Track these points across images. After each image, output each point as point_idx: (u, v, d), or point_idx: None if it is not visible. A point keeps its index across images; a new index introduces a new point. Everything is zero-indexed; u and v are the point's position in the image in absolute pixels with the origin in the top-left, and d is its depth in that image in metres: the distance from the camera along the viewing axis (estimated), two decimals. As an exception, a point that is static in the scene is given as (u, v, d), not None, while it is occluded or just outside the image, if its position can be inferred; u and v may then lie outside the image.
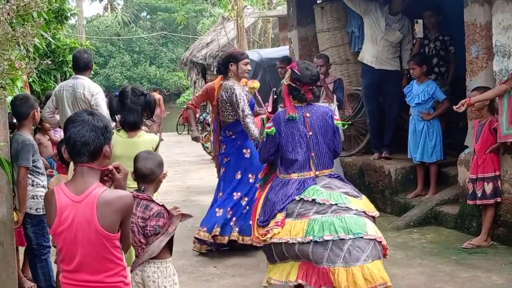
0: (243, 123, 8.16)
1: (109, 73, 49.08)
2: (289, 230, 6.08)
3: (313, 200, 6.15)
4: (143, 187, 5.13)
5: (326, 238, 5.89)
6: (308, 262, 6.04)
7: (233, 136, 8.46)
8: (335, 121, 6.56)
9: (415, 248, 8.49)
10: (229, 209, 8.37)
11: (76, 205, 3.61)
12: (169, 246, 5.07)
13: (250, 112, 8.21)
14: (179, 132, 27.63)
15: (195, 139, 10.00)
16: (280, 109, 6.77)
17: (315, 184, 6.31)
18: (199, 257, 8.35)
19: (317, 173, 6.38)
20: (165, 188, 12.82)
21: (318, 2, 12.70)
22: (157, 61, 52.17)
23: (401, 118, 11.22)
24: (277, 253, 6.22)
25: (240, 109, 8.17)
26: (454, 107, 8.22)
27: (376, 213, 6.35)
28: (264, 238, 6.22)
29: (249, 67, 8.56)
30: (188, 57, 28.82)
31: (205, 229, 8.38)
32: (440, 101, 9.88)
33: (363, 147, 11.58)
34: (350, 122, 8.25)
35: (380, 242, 6.02)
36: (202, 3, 47.87)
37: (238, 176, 8.48)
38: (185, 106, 10.04)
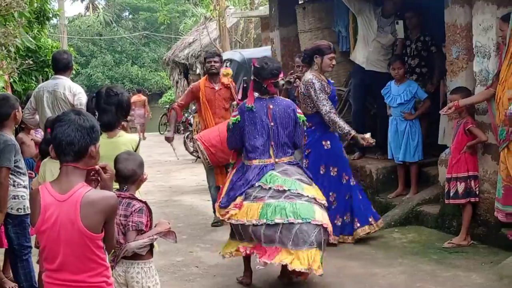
0: (327, 119, 8.24)
1: (91, 73, 48.93)
2: (246, 212, 6.68)
3: (270, 188, 6.72)
4: (125, 187, 5.14)
5: (277, 221, 6.50)
6: (258, 245, 6.64)
7: (313, 127, 8.45)
8: (298, 115, 7.07)
9: (396, 247, 8.52)
10: None
11: (60, 204, 3.62)
12: (150, 246, 5.08)
13: (331, 107, 8.28)
14: (161, 132, 27.60)
15: (167, 139, 10.22)
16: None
17: (273, 169, 6.88)
18: (180, 257, 8.36)
19: (276, 160, 6.96)
20: (147, 188, 12.84)
21: (300, 2, 12.73)
22: (139, 61, 52.05)
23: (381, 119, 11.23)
24: (237, 233, 6.89)
25: (320, 105, 8.24)
26: (441, 112, 8.21)
27: (324, 202, 6.94)
28: (223, 218, 6.92)
29: (334, 62, 8.54)
30: (170, 57, 28.82)
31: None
32: (421, 101, 9.92)
33: (344, 146, 11.59)
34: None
35: (325, 228, 6.61)
36: (184, 3, 47.79)
37: (322, 171, 8.49)
38: (168, 107, 10.14)
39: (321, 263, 6.53)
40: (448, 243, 8.33)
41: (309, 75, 8.39)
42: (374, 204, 10.20)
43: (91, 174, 3.85)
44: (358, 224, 8.59)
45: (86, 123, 3.73)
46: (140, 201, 5.09)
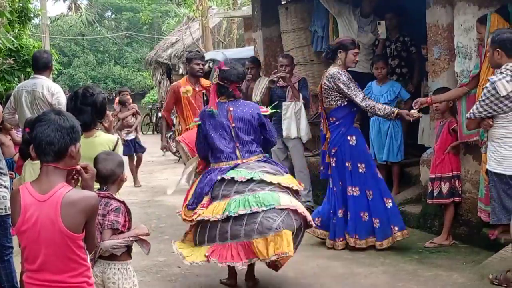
0: (364, 106, 8.18)
1: (73, 72, 48.63)
2: (212, 209, 6.57)
3: (232, 178, 6.66)
4: (105, 186, 5.12)
5: (240, 212, 6.42)
6: (223, 245, 6.49)
7: (337, 122, 8.38)
8: (262, 113, 7.06)
9: (378, 247, 8.54)
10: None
11: (40, 204, 3.61)
12: (127, 248, 5.05)
13: (362, 95, 8.25)
14: (144, 132, 27.54)
15: (163, 149, 10.53)
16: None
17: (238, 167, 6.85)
18: (163, 258, 8.35)
19: (244, 160, 6.91)
20: (129, 188, 12.85)
21: (282, 3, 12.75)
22: (121, 61, 51.80)
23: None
24: (199, 235, 6.73)
25: (353, 95, 8.19)
26: (413, 105, 8.14)
27: (299, 187, 6.94)
28: (191, 219, 6.76)
29: (358, 58, 8.54)
30: (153, 57, 28.74)
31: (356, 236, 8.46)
32: (404, 101, 9.96)
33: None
34: (276, 110, 8.31)
35: (296, 211, 6.50)
36: (167, 3, 47.65)
37: (349, 168, 8.38)
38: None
39: (293, 244, 6.39)
40: (430, 242, 8.37)
41: (333, 69, 8.32)
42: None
43: (72, 174, 3.84)
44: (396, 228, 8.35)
45: (66, 123, 3.73)
46: (118, 200, 5.07)
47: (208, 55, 17.57)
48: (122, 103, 15.09)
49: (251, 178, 6.66)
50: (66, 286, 3.69)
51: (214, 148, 6.97)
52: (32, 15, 13.64)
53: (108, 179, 5.12)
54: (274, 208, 6.44)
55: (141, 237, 5.06)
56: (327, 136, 8.56)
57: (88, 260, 3.81)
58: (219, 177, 6.75)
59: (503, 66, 6.48)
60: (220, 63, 7.20)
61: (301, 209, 6.61)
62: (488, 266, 7.18)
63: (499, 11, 7.71)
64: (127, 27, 54.31)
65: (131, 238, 4.99)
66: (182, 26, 29.97)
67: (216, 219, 6.51)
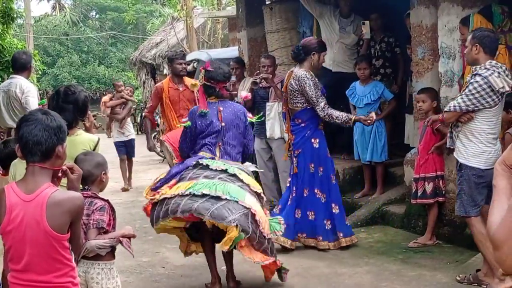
0: (323, 114, 8.17)
1: (57, 72, 48.53)
2: (176, 188, 6.54)
3: (207, 165, 6.65)
4: (86, 186, 5.09)
5: (204, 192, 6.34)
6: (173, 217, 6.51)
7: (302, 124, 8.39)
8: (248, 118, 7.11)
9: (362, 247, 8.56)
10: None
11: (25, 204, 3.59)
12: (111, 248, 5.03)
13: (326, 102, 8.23)
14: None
15: (149, 149, 10.42)
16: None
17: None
18: (147, 258, 8.34)
19: (220, 160, 6.85)
20: (113, 188, 12.80)
21: (267, 3, 12.74)
22: (106, 61, 51.77)
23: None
24: (156, 213, 6.67)
25: (316, 102, 8.18)
26: (425, 122, 8.12)
27: (260, 191, 6.81)
28: (152, 197, 6.75)
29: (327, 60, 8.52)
30: (137, 57, 28.69)
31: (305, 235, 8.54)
32: (387, 101, 9.99)
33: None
34: (260, 118, 8.32)
35: (254, 216, 6.39)
36: (151, 3, 47.66)
37: (312, 170, 8.42)
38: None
39: (234, 246, 6.40)
40: (414, 242, 8.39)
41: (302, 72, 8.29)
42: (340, 204, 10.28)
43: (57, 174, 3.82)
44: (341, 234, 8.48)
45: (53, 123, 3.71)
46: (102, 199, 5.05)
47: (192, 55, 17.56)
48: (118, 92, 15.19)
49: (226, 169, 6.64)
50: (51, 286, 3.68)
51: (197, 144, 6.98)
52: (15, 16, 13.61)
53: (86, 179, 5.01)
54: (237, 202, 6.37)
55: (127, 238, 5.06)
56: (289, 138, 8.58)
57: (73, 261, 3.80)
58: (193, 162, 6.75)
59: (487, 63, 6.59)
60: (205, 64, 7.20)
61: (259, 216, 6.48)
62: (472, 265, 7.21)
63: (482, 12, 7.75)
64: (111, 27, 54.26)
65: (116, 239, 4.97)
66: (167, 26, 29.93)
67: (174, 195, 6.48)
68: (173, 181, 6.75)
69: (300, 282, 7.27)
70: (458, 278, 6.98)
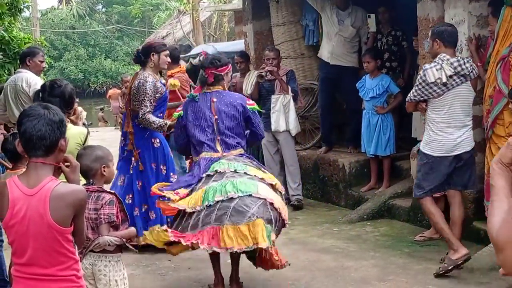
0: (142, 120, 8.01)
1: (64, 66, 48.55)
2: (188, 200, 6.39)
3: (215, 171, 6.51)
4: (91, 180, 5.09)
5: (217, 199, 6.22)
6: (193, 234, 6.28)
7: (141, 125, 8.23)
8: (248, 106, 6.94)
9: (368, 241, 8.56)
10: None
11: (28, 198, 3.59)
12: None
13: (148, 109, 8.01)
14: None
15: None
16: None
17: (220, 159, 6.69)
18: (153, 251, 8.33)
19: (224, 154, 6.77)
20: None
21: (273, -4, 12.72)
22: (112, 55, 51.75)
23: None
24: (176, 227, 6.50)
25: (142, 104, 8.02)
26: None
27: (276, 183, 6.73)
28: (169, 208, 6.59)
29: (169, 59, 8.38)
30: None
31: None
32: (394, 95, 9.96)
33: (317, 140, 11.62)
34: (260, 108, 8.17)
35: (272, 204, 6.30)
36: (158, -3, 47.64)
37: (154, 168, 8.29)
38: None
39: (268, 237, 6.12)
40: (420, 236, 8.38)
41: (145, 73, 8.13)
42: (346, 197, 10.30)
43: (59, 167, 3.82)
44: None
45: (55, 117, 3.71)
46: (110, 192, 5.06)
47: (198, 49, 17.55)
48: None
49: (235, 170, 6.52)
50: (54, 279, 3.68)
51: (194, 140, 6.88)
52: (22, 7, 13.60)
53: (87, 174, 5.02)
54: (250, 195, 6.27)
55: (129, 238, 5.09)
56: (130, 138, 8.35)
57: (77, 254, 3.80)
58: (204, 175, 6.57)
59: (438, 56, 7.09)
60: (203, 52, 7.16)
61: (278, 204, 6.41)
62: (478, 259, 7.19)
63: (491, 4, 7.76)
64: (118, 20, 54.27)
65: (126, 238, 4.99)
66: (173, 20, 29.99)
67: (194, 211, 6.34)
68: (183, 190, 6.54)
69: (306, 276, 7.27)
70: (435, 273, 7.10)
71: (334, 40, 11.01)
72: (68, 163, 3.87)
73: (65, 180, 3.85)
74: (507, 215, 2.23)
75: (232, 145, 6.84)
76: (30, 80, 8.63)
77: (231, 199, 6.22)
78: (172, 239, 6.35)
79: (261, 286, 7.07)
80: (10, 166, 6.85)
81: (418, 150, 7.50)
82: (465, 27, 7.97)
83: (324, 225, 9.44)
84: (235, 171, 6.50)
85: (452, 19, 8.14)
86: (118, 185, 8.31)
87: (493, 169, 2.40)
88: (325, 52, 11.18)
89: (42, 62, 8.94)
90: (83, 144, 5.75)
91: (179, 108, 7.12)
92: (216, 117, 6.81)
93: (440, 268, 7.08)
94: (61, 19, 52.44)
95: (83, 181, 5.05)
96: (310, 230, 9.16)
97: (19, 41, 12.86)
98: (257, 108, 7.14)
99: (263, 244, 6.08)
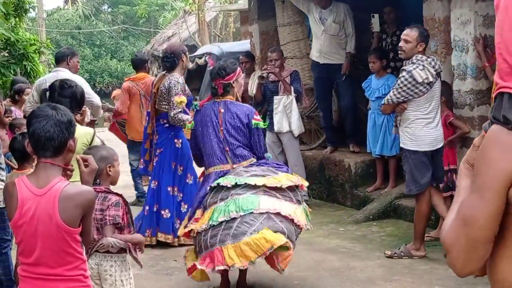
0: (172, 118, 8.33)
1: (70, 66, 48.59)
2: (202, 221, 6.42)
3: (218, 184, 6.45)
4: (97, 180, 5.07)
5: (220, 220, 6.21)
6: (201, 256, 6.33)
7: (167, 125, 8.51)
8: (253, 121, 6.77)
9: (374, 241, 8.56)
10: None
11: (37, 198, 3.60)
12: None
13: (180, 109, 8.31)
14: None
15: None
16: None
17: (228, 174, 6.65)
18: (159, 251, 8.35)
19: (234, 166, 6.70)
20: (125, 182, 12.76)
21: (278, -4, 12.72)
22: (118, 55, 51.71)
23: (360, 112, 11.28)
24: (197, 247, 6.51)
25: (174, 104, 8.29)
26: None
27: (300, 182, 6.69)
28: (188, 236, 6.76)
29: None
30: (149, 51, 28.70)
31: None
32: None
33: (323, 141, 11.62)
34: (266, 124, 8.14)
35: (279, 214, 6.23)
36: (163, -3, 47.63)
37: (172, 167, 8.58)
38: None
39: (281, 242, 6.05)
40: (426, 236, 8.36)
41: (175, 75, 8.44)
42: (352, 197, 10.29)
43: (68, 167, 3.82)
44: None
45: (64, 118, 3.72)
46: (116, 194, 5.05)
47: (204, 49, 17.56)
48: None
49: (236, 183, 6.42)
50: (62, 279, 3.68)
51: (204, 151, 6.87)
52: (28, 7, 13.63)
53: None
54: (252, 212, 6.21)
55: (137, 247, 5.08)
56: (152, 137, 8.69)
57: (84, 254, 3.81)
58: (208, 188, 6.58)
59: (414, 57, 7.46)
60: (211, 61, 7.20)
61: (286, 211, 6.33)
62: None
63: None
64: (123, 20, 54.25)
65: (127, 244, 4.97)
66: (179, 20, 29.98)
67: (202, 230, 6.36)
68: (199, 213, 6.59)
69: (312, 276, 7.27)
70: (388, 253, 7.76)
71: (321, 39, 11.04)
72: (87, 163, 3.89)
73: (78, 180, 3.87)
74: (454, 218, 2.24)
75: (242, 155, 6.76)
76: (77, 78, 8.78)
77: (234, 219, 6.20)
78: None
79: (267, 286, 7.07)
80: (16, 166, 6.87)
81: (401, 149, 7.87)
82: (471, 27, 7.96)
83: (330, 225, 9.44)
84: (236, 185, 6.40)
85: (458, 18, 8.14)
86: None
87: (460, 169, 2.40)
88: (314, 52, 11.22)
89: (78, 62, 9.38)
90: (89, 144, 5.75)
91: (191, 119, 7.20)
92: (222, 128, 6.73)
93: (395, 253, 7.78)
94: (67, 20, 52.44)
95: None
96: (316, 230, 9.12)
97: (24, 42, 12.89)
98: (262, 125, 6.95)
99: (278, 242, 6.04)
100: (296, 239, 6.45)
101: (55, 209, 3.57)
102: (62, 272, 3.67)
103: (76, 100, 5.93)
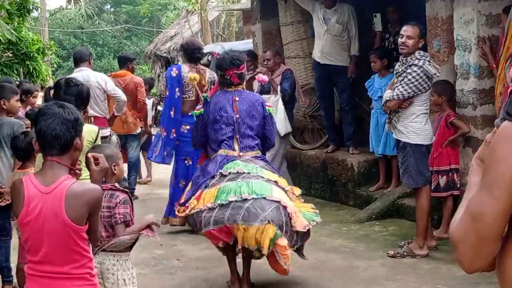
0: None
1: (72, 66, 48.60)
2: (203, 199, 6.43)
3: (230, 173, 6.51)
4: (103, 179, 5.07)
5: (230, 199, 6.23)
6: (205, 231, 6.40)
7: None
8: (267, 108, 6.99)
9: (377, 240, 8.56)
10: None
11: (44, 196, 3.61)
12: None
13: None
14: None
15: None
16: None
17: (236, 160, 6.71)
18: (161, 250, 8.35)
19: (240, 154, 6.79)
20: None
21: (281, -5, 12.72)
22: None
23: (363, 111, 11.27)
24: (192, 224, 6.69)
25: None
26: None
27: (289, 189, 6.79)
28: (184, 214, 6.66)
29: None
30: (152, 50, 28.73)
31: None
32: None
33: (325, 140, 11.62)
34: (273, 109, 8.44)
35: (285, 208, 6.28)
36: (166, -4, 47.61)
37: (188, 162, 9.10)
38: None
39: (271, 241, 6.14)
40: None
41: (210, 72, 8.95)
42: (355, 197, 10.28)
43: (76, 165, 3.84)
44: None
45: (70, 116, 3.73)
46: (123, 191, 5.06)
47: (206, 48, 17.54)
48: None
49: (248, 172, 6.51)
50: (69, 277, 3.69)
51: (212, 138, 6.91)
52: (31, 8, 13.64)
53: None
54: (264, 198, 6.25)
55: (149, 228, 5.08)
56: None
57: (91, 252, 3.81)
58: (217, 173, 6.60)
59: (417, 53, 7.59)
60: (214, 52, 7.31)
61: (291, 209, 6.37)
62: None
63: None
64: (126, 20, 54.25)
65: (143, 230, 4.99)
66: (181, 19, 29.96)
67: (204, 209, 6.37)
68: (199, 191, 6.61)
69: (314, 275, 7.26)
70: (391, 253, 7.77)
71: (323, 39, 11.04)
72: (98, 162, 3.90)
73: (87, 177, 3.89)
74: (462, 214, 2.23)
75: (250, 146, 6.87)
76: (101, 76, 9.73)
77: (245, 200, 6.21)
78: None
79: (270, 285, 7.07)
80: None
81: (403, 143, 7.78)
82: (474, 26, 7.95)
83: (332, 224, 9.43)
84: (249, 173, 6.49)
85: (461, 18, 8.13)
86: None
87: (472, 165, 2.40)
88: (316, 52, 11.21)
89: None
90: (94, 142, 5.77)
91: (199, 107, 7.15)
92: (237, 116, 6.84)
93: (397, 253, 7.76)
94: (70, 19, 52.46)
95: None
96: (318, 229, 9.11)
97: (27, 42, 12.90)
98: (274, 111, 7.22)
99: (265, 251, 6.15)
100: (296, 243, 6.55)
101: (61, 207, 3.58)
102: (68, 270, 3.68)
103: (82, 99, 5.98)
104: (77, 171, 3.86)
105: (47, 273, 3.69)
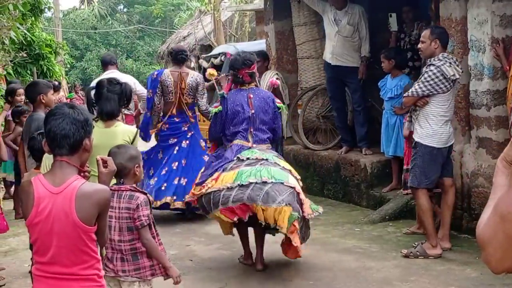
0: (205, 111, 9.80)
1: (86, 66, 48.69)
2: (221, 180, 6.94)
3: (247, 158, 7.08)
4: (121, 180, 5.05)
5: (250, 181, 6.77)
6: (224, 208, 6.90)
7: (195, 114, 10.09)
8: (277, 103, 7.67)
9: (391, 241, 8.53)
10: None
11: (54, 196, 3.61)
12: None
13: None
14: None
15: None
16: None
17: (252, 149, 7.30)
18: (175, 251, 8.35)
19: (254, 145, 7.33)
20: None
21: (294, -4, 12.71)
22: (133, 55, 51.86)
23: (376, 112, 11.25)
24: (207, 205, 7.08)
25: (203, 97, 9.93)
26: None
27: (299, 177, 7.34)
28: (199, 193, 7.12)
29: None
30: (164, 51, 28.73)
31: None
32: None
33: (338, 141, 11.59)
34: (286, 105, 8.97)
35: (298, 195, 6.89)
36: (179, -3, 47.67)
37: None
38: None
39: (293, 225, 6.71)
40: (408, 229, 8.46)
41: (195, 72, 9.56)
42: (368, 197, 10.27)
43: (85, 166, 3.84)
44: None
45: (80, 117, 3.73)
46: (142, 192, 5.05)
47: (219, 49, 17.57)
48: None
49: (266, 159, 7.06)
50: (76, 278, 3.68)
51: (229, 132, 7.48)
52: (43, 8, 13.68)
53: (120, 173, 4.88)
54: (282, 183, 6.78)
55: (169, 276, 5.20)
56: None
57: (99, 253, 3.81)
58: (235, 158, 7.13)
59: (440, 55, 7.62)
60: (227, 53, 7.64)
61: (303, 196, 6.96)
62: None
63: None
64: (139, 20, 54.38)
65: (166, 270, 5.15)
66: (194, 20, 29.96)
67: (223, 188, 6.88)
68: (217, 174, 7.07)
69: (328, 276, 7.25)
70: (405, 252, 7.79)
71: (334, 40, 10.99)
72: (106, 164, 3.91)
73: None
74: (490, 214, 2.22)
75: (263, 139, 7.43)
76: (131, 78, 10.36)
77: (265, 183, 6.74)
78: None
79: (282, 286, 7.06)
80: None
81: (415, 143, 7.85)
82: (488, 27, 7.93)
83: (345, 225, 9.42)
84: (267, 160, 7.03)
85: (475, 18, 8.11)
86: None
87: (497, 166, 2.38)
88: (327, 53, 11.18)
89: None
90: (131, 143, 5.79)
91: (217, 104, 7.66)
92: (253, 111, 7.39)
93: (411, 252, 7.76)
94: (83, 20, 52.61)
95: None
96: (331, 230, 9.15)
97: (40, 42, 12.94)
98: (282, 107, 7.81)
99: (284, 229, 6.69)
100: (304, 235, 7.18)
101: (71, 207, 3.57)
102: (76, 271, 3.67)
103: (126, 97, 6.18)
104: (86, 174, 3.85)
105: (55, 274, 3.68)
